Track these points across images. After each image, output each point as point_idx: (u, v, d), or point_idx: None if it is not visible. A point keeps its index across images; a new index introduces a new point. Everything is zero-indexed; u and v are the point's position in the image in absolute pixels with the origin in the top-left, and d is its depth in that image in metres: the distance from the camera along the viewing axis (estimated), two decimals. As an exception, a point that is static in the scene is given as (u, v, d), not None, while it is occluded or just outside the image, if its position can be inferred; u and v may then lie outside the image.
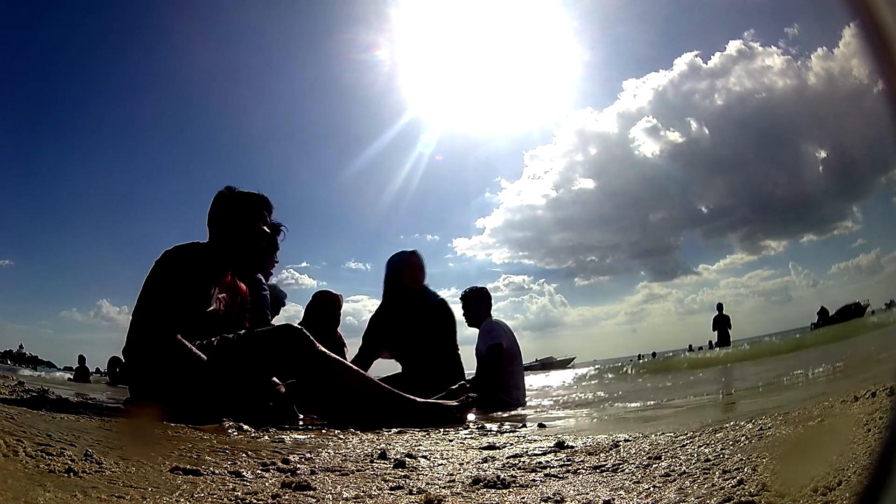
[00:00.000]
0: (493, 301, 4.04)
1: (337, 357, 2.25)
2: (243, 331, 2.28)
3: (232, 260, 2.36)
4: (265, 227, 2.40)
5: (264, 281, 3.10)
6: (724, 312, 10.73)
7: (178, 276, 2.15)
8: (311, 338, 2.20)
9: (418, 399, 2.34)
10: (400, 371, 3.56)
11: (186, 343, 2.06)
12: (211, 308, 2.26)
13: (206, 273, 2.23)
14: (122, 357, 2.50)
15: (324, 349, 2.22)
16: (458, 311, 3.93)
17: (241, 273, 2.52)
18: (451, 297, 4.10)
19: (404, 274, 3.58)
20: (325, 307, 3.52)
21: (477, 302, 3.94)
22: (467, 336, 3.97)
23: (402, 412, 2.21)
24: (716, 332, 10.54)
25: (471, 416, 2.47)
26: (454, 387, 2.88)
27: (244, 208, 2.36)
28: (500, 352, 3.67)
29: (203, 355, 2.06)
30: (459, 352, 3.62)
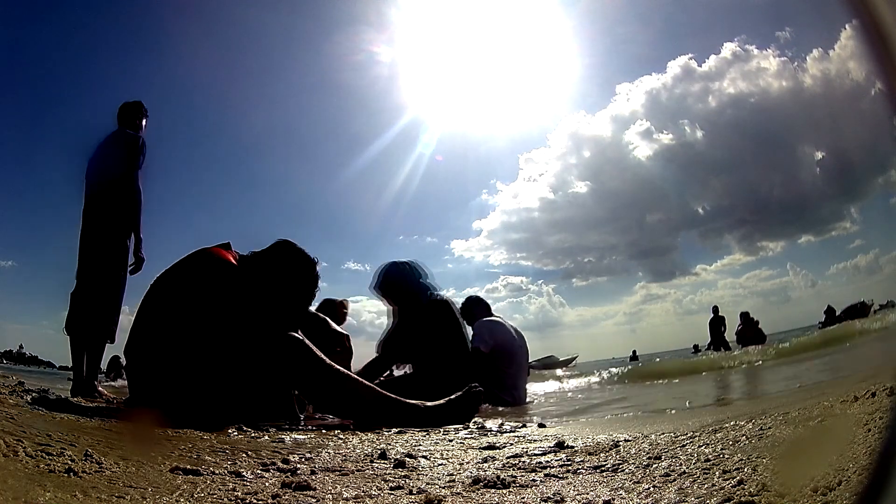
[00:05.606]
0: (487, 303, 4.05)
1: (339, 368, 2.21)
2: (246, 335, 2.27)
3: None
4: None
5: None
6: (719, 314, 10.76)
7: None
8: (314, 347, 2.18)
9: (424, 404, 2.30)
10: (412, 371, 3.56)
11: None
12: None
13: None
14: (122, 357, 2.50)
15: (325, 358, 2.18)
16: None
17: None
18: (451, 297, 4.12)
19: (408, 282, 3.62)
20: (332, 312, 3.67)
21: (466, 310, 3.94)
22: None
23: (408, 420, 2.16)
24: (712, 334, 10.57)
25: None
26: (469, 388, 2.84)
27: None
28: (478, 355, 3.65)
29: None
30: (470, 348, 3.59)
